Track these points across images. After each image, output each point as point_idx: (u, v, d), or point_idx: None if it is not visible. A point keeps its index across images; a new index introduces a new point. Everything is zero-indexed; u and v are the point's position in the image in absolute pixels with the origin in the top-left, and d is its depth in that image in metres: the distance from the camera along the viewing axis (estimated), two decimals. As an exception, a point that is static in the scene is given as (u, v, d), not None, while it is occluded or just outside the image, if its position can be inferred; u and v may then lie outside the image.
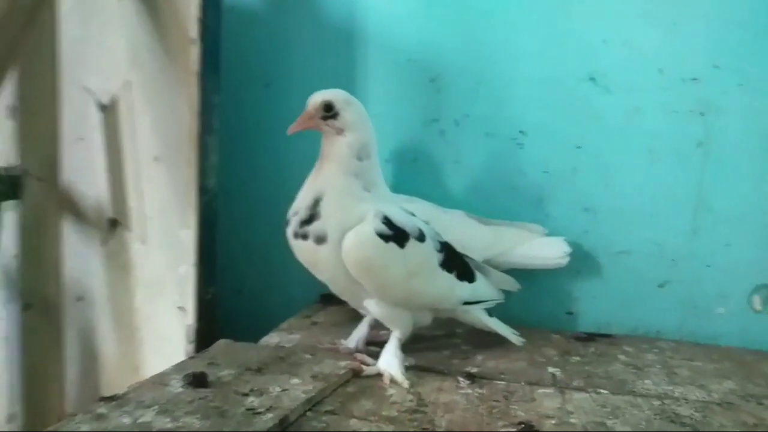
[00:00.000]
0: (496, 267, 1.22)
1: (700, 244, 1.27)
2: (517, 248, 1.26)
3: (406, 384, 0.99)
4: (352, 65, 1.43)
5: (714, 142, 1.24)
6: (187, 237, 1.26)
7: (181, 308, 1.28)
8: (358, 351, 1.13)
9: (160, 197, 1.30)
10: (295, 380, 0.95)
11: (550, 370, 1.11)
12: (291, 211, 1.05)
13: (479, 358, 1.15)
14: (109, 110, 1.33)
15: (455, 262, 1.08)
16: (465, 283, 1.09)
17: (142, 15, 1.28)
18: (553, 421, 0.89)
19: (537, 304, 1.35)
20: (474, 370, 1.08)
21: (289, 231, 1.04)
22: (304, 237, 1.01)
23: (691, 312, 1.29)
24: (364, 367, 1.03)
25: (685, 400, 0.99)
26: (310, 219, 1.00)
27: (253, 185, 1.51)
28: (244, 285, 1.52)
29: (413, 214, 1.07)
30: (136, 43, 1.29)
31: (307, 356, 1.07)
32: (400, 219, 1.01)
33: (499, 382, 1.04)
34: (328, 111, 1.02)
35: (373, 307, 1.05)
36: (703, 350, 1.23)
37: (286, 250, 1.51)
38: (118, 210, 1.34)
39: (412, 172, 1.40)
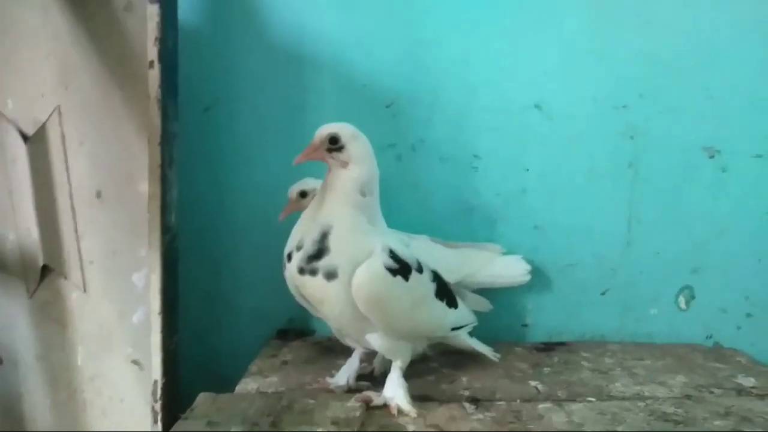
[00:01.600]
0: (465, 288, 1.26)
1: (634, 254, 1.41)
2: (482, 269, 1.31)
3: (413, 413, 1.00)
4: (303, 90, 1.39)
5: (642, 162, 1.39)
6: (141, 282, 1.14)
7: (136, 362, 1.15)
8: (350, 388, 1.10)
9: (105, 238, 1.17)
10: (319, 429, 0.90)
11: (532, 383, 1.17)
12: (291, 246, 1.00)
13: (464, 379, 1.18)
14: (34, 140, 1.16)
15: (444, 291, 1.10)
16: (452, 310, 1.11)
17: (77, 31, 1.14)
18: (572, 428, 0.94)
19: (494, 319, 1.40)
20: (467, 392, 1.12)
21: (292, 267, 0.99)
22: (313, 273, 0.97)
23: (629, 315, 1.43)
24: (373, 396, 1.02)
25: (659, 398, 1.11)
26: (318, 254, 0.96)
27: (191, 217, 1.39)
28: (190, 328, 1.40)
29: (408, 246, 1.07)
30: (68, 63, 1.14)
31: (310, 401, 1.02)
32: (402, 252, 1.02)
33: (499, 402, 1.08)
34: (334, 143, 1.00)
35: (376, 341, 1.03)
36: (646, 349, 1.37)
37: (231, 285, 1.44)
38: (50, 255, 1.17)
39: (369, 197, 1.39)
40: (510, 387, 1.14)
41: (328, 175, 1.01)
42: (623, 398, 1.10)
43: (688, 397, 1.12)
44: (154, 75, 1.06)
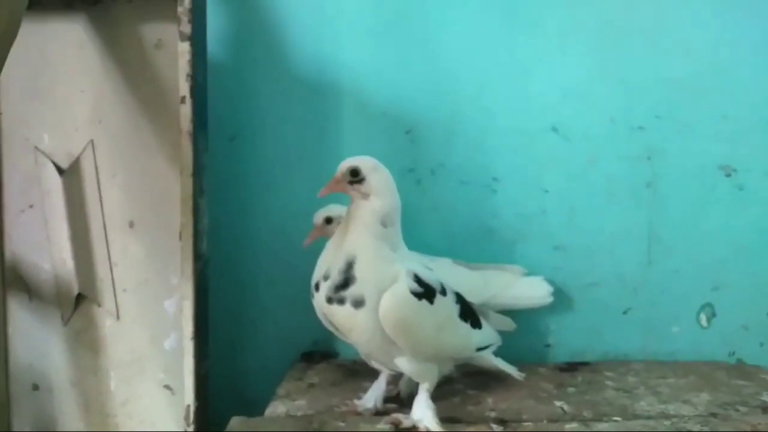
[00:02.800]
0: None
1: (654, 273, 1.42)
2: (505, 290, 1.33)
3: None
4: (324, 117, 1.43)
5: (660, 182, 1.41)
6: (173, 308, 1.17)
7: (168, 387, 1.17)
8: (378, 410, 1.12)
9: (137, 266, 1.20)
10: (353, 452, 0.92)
11: (558, 404, 1.18)
12: (318, 276, 1.03)
13: (490, 401, 1.19)
14: (69, 173, 1.20)
15: (468, 312, 1.12)
16: (477, 330, 1.13)
17: (109, 67, 1.18)
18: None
19: (517, 340, 1.41)
20: (493, 414, 1.13)
21: (320, 297, 1.02)
22: (341, 302, 0.99)
23: (651, 334, 1.44)
24: (401, 419, 1.04)
25: (684, 416, 1.11)
26: (345, 283, 0.99)
27: (216, 243, 1.42)
28: (216, 351, 1.43)
29: (430, 269, 1.09)
30: (101, 98, 1.19)
31: (340, 424, 1.04)
32: (426, 275, 1.04)
33: (526, 423, 1.09)
34: (355, 176, 1.03)
35: (404, 365, 1.05)
36: (669, 367, 1.37)
37: (257, 309, 1.46)
38: (85, 283, 1.21)
39: (391, 221, 1.41)
40: (536, 408, 1.15)
41: (351, 206, 1.04)
42: (648, 417, 1.11)
43: (714, 415, 1.12)
44: (186, 110, 1.10)
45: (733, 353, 1.43)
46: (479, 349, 1.15)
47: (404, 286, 0.99)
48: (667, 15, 1.39)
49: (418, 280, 1.01)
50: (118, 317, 1.20)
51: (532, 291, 1.34)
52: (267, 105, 1.42)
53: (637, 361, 1.42)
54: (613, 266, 1.43)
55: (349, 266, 0.99)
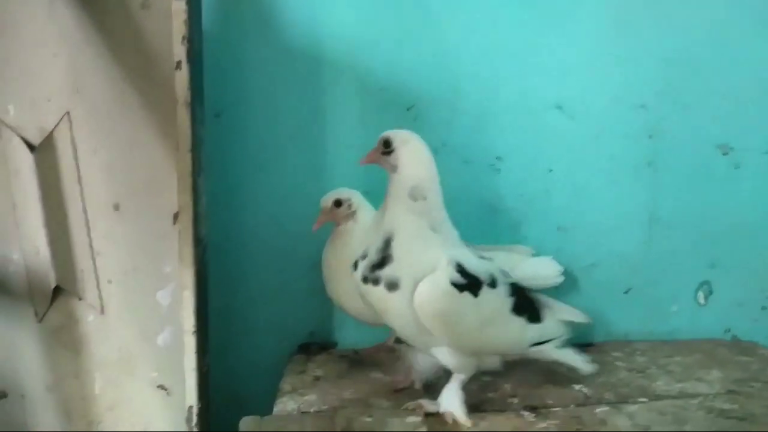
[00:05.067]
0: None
1: (654, 252, 1.42)
2: (515, 271, 1.28)
3: (468, 423, 0.97)
4: (320, 93, 1.33)
5: (660, 160, 1.40)
6: (167, 300, 1.06)
7: (162, 387, 1.06)
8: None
9: (124, 254, 1.07)
10: (393, 448, 0.85)
11: (576, 387, 1.15)
12: (357, 255, 0.99)
13: (507, 386, 1.15)
14: (41, 150, 1.06)
15: (525, 305, 1.03)
16: (534, 325, 1.03)
17: (87, 29, 1.04)
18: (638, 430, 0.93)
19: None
20: (515, 400, 1.08)
21: (357, 275, 0.97)
22: (375, 282, 0.94)
23: (651, 313, 1.43)
24: (426, 405, 0.99)
25: (708, 394, 1.10)
26: (382, 262, 0.94)
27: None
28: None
29: (482, 256, 1.03)
30: (77, 64, 1.05)
31: (366, 419, 0.96)
32: (472, 265, 0.97)
33: (555, 409, 1.05)
34: (387, 147, 0.99)
35: (442, 355, 0.99)
36: (672, 346, 1.38)
37: (247, 299, 1.36)
38: (63, 274, 1.07)
39: (392, 203, 1.34)
40: (557, 392, 1.12)
41: (388, 180, 0.99)
42: (673, 396, 1.10)
43: (732, 392, 1.12)
44: (182, 76, 0.99)
45: (729, 330, 1.45)
46: (536, 345, 1.05)
47: (444, 276, 0.93)
48: (669, -9, 1.38)
49: (461, 269, 0.95)
50: (102, 311, 1.06)
51: (542, 271, 1.30)
52: (257, 78, 1.31)
53: (639, 340, 1.42)
54: (614, 246, 1.41)
55: (387, 244, 0.94)
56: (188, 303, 1.01)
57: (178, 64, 0.98)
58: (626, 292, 1.43)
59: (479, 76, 1.35)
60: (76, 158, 1.05)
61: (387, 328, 1.32)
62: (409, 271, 0.92)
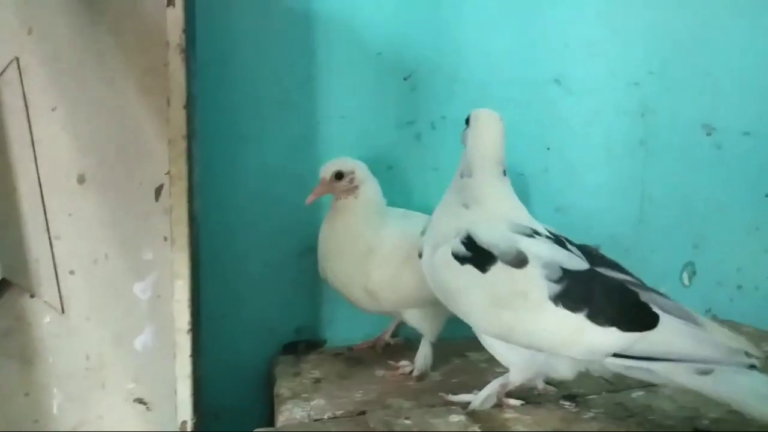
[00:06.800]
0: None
1: (645, 232, 1.40)
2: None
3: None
4: (311, 56, 1.19)
5: (651, 139, 1.38)
6: (147, 294, 0.87)
7: (140, 401, 0.87)
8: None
9: (91, 239, 0.86)
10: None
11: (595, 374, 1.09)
12: None
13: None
14: (-19, 106, 0.82)
15: (600, 299, 0.83)
16: (612, 330, 0.81)
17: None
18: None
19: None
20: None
21: None
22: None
23: (641, 294, 1.42)
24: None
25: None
26: (424, 231, 0.99)
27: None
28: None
29: (535, 233, 0.90)
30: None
31: (406, 422, 0.84)
32: (490, 238, 0.88)
33: (590, 397, 0.98)
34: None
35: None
36: (662, 326, 1.36)
37: (225, 295, 1.18)
38: (10, 265, 0.84)
39: (388, 180, 1.21)
40: (582, 380, 1.03)
41: None
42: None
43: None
44: (176, 15, 0.80)
45: (709, 310, 1.47)
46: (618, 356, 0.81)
47: (448, 247, 0.89)
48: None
49: (469, 241, 0.88)
50: (62, 310, 0.85)
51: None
52: (238, 35, 1.15)
53: (629, 322, 1.39)
54: (608, 227, 1.38)
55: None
56: (182, 295, 0.83)
57: (171, 1, 0.80)
58: (619, 274, 1.40)
59: (480, 43, 1.27)
60: (28, 117, 0.83)
61: (380, 319, 1.21)
62: (430, 241, 0.94)
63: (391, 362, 1.12)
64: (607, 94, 1.35)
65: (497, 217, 0.92)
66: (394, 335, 1.23)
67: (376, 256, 1.06)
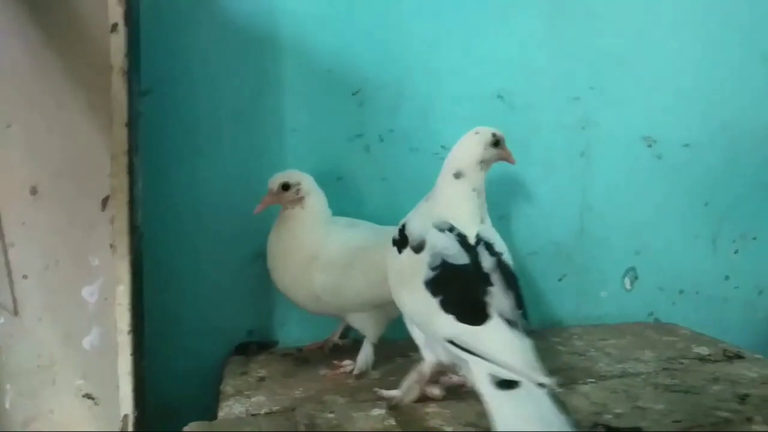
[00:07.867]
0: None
1: (586, 240, 1.47)
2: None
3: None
4: (262, 71, 1.26)
5: (592, 152, 1.46)
6: (94, 297, 0.94)
7: (89, 396, 0.94)
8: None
9: (43, 245, 0.94)
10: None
11: (526, 372, 1.16)
12: None
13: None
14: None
15: (454, 290, 0.92)
16: (450, 318, 0.89)
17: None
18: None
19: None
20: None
21: None
22: None
23: (583, 299, 1.49)
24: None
25: (647, 372, 1.15)
26: None
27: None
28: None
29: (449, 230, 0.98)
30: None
31: (329, 415, 0.90)
32: (413, 228, 1.00)
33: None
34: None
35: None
36: (604, 330, 1.43)
37: (177, 298, 1.25)
38: (-36, 269, 0.91)
39: (338, 190, 1.29)
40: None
41: None
42: (618, 376, 1.13)
43: (668, 369, 1.18)
44: (119, 41, 0.87)
45: (652, 313, 1.54)
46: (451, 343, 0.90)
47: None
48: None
49: (402, 229, 1.02)
50: (15, 312, 0.92)
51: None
52: (192, 53, 1.22)
53: (572, 326, 1.46)
54: (551, 235, 1.45)
55: None
56: (123, 299, 0.90)
57: (114, 27, 0.87)
58: (560, 280, 1.47)
59: (425, 60, 1.34)
60: (-19, 132, 0.90)
61: (331, 322, 1.28)
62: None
63: (335, 362, 1.19)
64: (549, 109, 1.42)
65: (433, 212, 1.01)
66: (343, 337, 1.30)
67: (319, 262, 1.12)
